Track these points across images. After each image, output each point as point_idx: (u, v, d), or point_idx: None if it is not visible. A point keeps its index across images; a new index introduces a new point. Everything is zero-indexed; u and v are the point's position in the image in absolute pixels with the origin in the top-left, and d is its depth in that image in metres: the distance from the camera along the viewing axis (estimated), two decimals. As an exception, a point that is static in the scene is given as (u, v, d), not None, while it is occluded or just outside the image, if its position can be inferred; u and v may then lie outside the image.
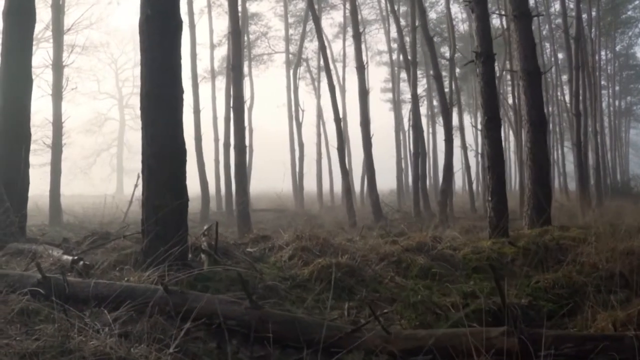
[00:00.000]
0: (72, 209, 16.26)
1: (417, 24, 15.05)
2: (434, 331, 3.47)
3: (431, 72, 29.36)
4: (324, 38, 27.05)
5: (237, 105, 10.22)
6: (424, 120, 24.35)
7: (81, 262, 4.22)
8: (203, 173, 18.43)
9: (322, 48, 13.51)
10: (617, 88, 37.19)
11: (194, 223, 10.68)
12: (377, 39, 47.47)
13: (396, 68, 28.75)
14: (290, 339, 3.27)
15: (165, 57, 4.44)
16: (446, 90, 17.54)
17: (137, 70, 41.21)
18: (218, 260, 4.58)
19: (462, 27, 30.82)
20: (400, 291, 4.50)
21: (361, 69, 14.02)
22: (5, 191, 5.91)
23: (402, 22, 19.82)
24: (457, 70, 20.33)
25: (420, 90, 24.57)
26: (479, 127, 16.91)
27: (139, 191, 14.81)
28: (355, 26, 14.36)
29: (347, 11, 26.92)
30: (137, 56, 42.51)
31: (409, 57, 15.91)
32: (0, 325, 2.83)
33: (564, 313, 3.98)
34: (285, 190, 29.44)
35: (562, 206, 16.48)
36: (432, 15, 29.41)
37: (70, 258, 4.44)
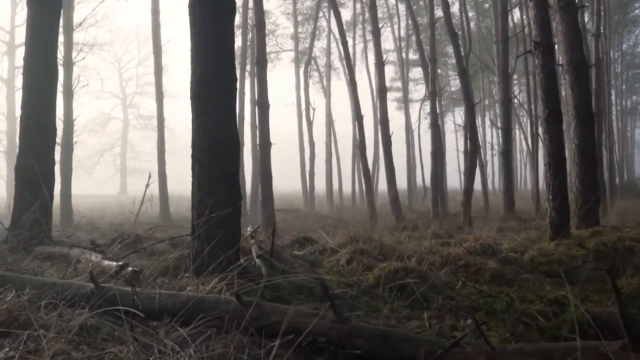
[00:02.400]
0: (77, 209, 15.74)
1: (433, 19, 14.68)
2: (541, 345, 3.15)
3: (438, 70, 29.08)
4: (333, 36, 26.73)
5: (261, 101, 9.76)
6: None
7: (129, 269, 3.77)
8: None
9: (344, 43, 13.06)
10: (623, 87, 36.96)
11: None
12: (383, 37, 47.12)
13: (405, 66, 28.31)
14: (381, 356, 2.88)
15: (219, 40, 4.00)
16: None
17: (141, 70, 40.55)
18: (276, 266, 4.15)
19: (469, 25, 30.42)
20: (478, 298, 4.09)
21: (380, 65, 13.60)
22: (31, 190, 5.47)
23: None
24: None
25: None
26: (498, 125, 16.53)
27: (148, 191, 14.20)
28: (374, 22, 13.94)
29: (356, 9, 26.57)
30: (140, 55, 42.02)
31: (427, 54, 15.51)
32: (63, 347, 2.39)
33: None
34: (290, 190, 28.96)
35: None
36: (439, 13, 29.02)
37: (113, 264, 4.00)
